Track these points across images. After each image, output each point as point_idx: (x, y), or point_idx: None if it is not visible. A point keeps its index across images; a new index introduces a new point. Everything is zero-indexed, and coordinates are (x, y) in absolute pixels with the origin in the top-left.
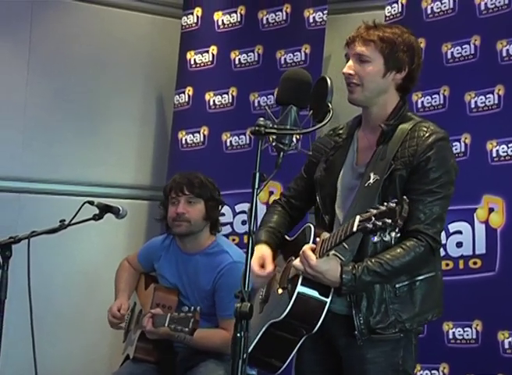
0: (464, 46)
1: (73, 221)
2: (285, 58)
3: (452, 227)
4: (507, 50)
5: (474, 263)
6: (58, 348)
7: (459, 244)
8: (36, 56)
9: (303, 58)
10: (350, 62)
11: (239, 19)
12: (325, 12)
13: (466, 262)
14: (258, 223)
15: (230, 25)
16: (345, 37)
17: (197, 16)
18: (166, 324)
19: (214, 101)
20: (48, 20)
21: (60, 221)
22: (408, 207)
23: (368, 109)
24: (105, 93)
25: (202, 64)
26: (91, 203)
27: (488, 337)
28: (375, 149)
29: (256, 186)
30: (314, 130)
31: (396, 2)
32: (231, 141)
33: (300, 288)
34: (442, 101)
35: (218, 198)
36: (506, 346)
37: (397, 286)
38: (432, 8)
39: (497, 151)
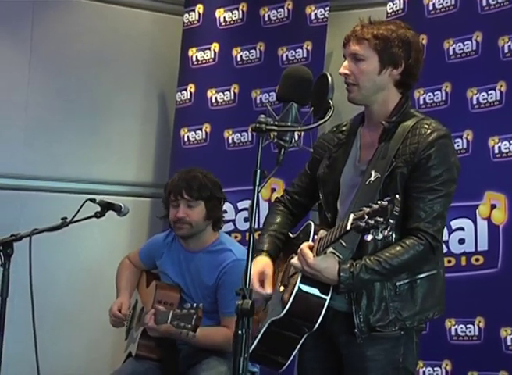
0: (465, 42)
1: (75, 219)
2: (287, 55)
3: (454, 224)
4: (509, 46)
5: (477, 260)
6: (61, 345)
7: (461, 241)
8: (37, 55)
9: (304, 55)
10: (346, 62)
11: (240, 16)
12: (327, 8)
13: (468, 258)
14: (259, 220)
15: (232, 22)
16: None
17: (199, 13)
18: (169, 321)
19: (216, 98)
20: (49, 19)
21: (62, 219)
22: (400, 206)
23: (369, 107)
24: (107, 91)
25: (204, 61)
26: (93, 201)
27: (490, 334)
28: (376, 147)
29: (257, 183)
30: (315, 126)
31: None
32: (233, 138)
33: (299, 286)
34: (444, 98)
35: (219, 196)
36: (509, 343)
37: (398, 284)
38: (433, 4)
39: (499, 147)
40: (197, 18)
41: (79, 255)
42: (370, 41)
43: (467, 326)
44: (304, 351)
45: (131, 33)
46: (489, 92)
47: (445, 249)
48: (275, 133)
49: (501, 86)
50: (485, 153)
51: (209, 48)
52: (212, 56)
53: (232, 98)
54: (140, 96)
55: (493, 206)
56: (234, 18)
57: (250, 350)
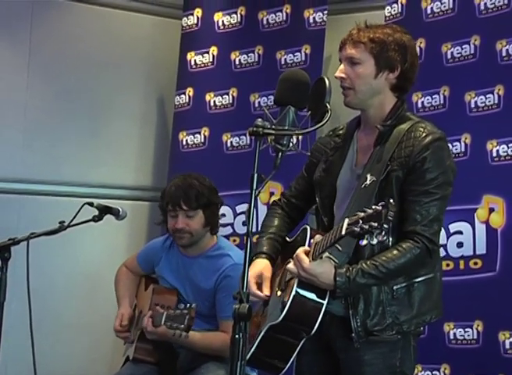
0: (463, 46)
1: (73, 222)
2: (285, 59)
3: (452, 227)
4: (507, 50)
5: (475, 263)
6: (59, 349)
7: (459, 245)
8: (36, 57)
9: (303, 59)
10: (342, 66)
11: (239, 20)
12: (325, 12)
13: (466, 262)
14: (257, 223)
15: (230, 26)
16: None
17: (198, 17)
18: (163, 322)
19: (214, 101)
20: (48, 21)
21: (59, 222)
22: (394, 210)
23: (365, 112)
24: (106, 94)
25: (202, 65)
26: (91, 204)
27: (489, 338)
28: (372, 150)
29: (254, 187)
30: (312, 130)
31: (396, 2)
32: (231, 142)
33: (295, 291)
34: (442, 102)
35: (216, 201)
36: (507, 346)
37: (395, 288)
38: (431, 8)
39: (497, 151)
40: (195, 22)
41: (77, 259)
42: (366, 45)
43: (466, 329)
44: (301, 356)
45: (130, 36)
46: (487, 96)
47: (443, 253)
48: (273, 137)
49: (499, 89)
50: (483, 157)
51: (208, 52)
52: (211, 60)
53: (231, 101)
54: (139, 99)
55: (491, 210)
56: (233, 22)
57: (249, 355)
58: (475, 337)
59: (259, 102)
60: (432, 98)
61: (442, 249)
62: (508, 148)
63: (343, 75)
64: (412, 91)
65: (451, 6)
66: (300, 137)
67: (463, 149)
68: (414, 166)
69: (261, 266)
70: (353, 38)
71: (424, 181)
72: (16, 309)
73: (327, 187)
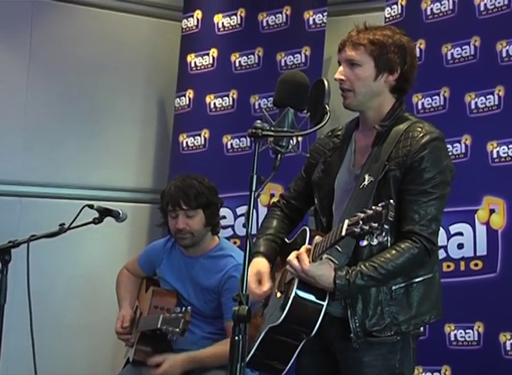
0: (463, 47)
1: (73, 225)
2: (285, 61)
3: (453, 229)
4: (507, 50)
5: (476, 265)
6: (60, 351)
7: (460, 246)
8: (36, 60)
9: (303, 61)
10: (341, 68)
11: (239, 22)
12: (325, 14)
13: (467, 263)
14: (257, 225)
15: (230, 27)
16: None
17: (198, 19)
18: (158, 325)
19: (214, 103)
20: (48, 24)
21: (60, 225)
22: (394, 211)
23: (364, 113)
24: (106, 96)
25: (202, 67)
26: (91, 207)
27: (489, 339)
28: (370, 151)
29: (253, 189)
30: (311, 132)
31: (396, 4)
32: (232, 144)
33: (295, 292)
34: (442, 103)
35: (216, 201)
36: (508, 348)
37: (393, 288)
38: (431, 9)
39: (498, 152)
40: (195, 24)
41: (78, 261)
42: (366, 47)
43: (467, 331)
44: (301, 357)
45: (130, 39)
46: (487, 97)
47: (444, 254)
48: (272, 139)
49: (499, 90)
50: (483, 158)
51: (208, 54)
52: (211, 62)
53: (231, 103)
54: (139, 102)
55: (492, 211)
56: (232, 23)
57: (249, 357)
58: (476, 338)
59: (259, 104)
60: (432, 99)
61: (442, 250)
62: (508, 149)
63: (342, 77)
64: (412, 92)
65: (451, 7)
66: (299, 138)
67: (463, 150)
68: (412, 165)
69: (259, 263)
70: (352, 40)
71: (421, 181)
72: (17, 311)
73: (325, 187)
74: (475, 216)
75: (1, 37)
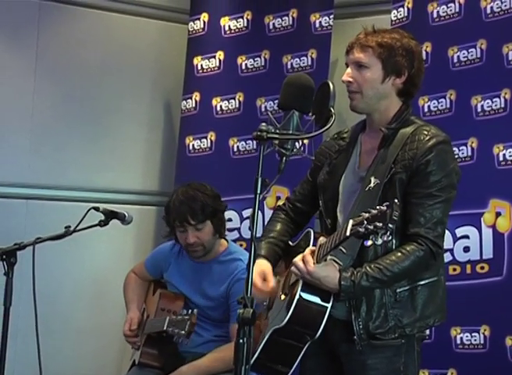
0: (470, 50)
1: (79, 227)
2: (291, 63)
3: (459, 232)
4: None
5: (482, 268)
6: (67, 353)
7: (466, 249)
8: (43, 62)
9: (309, 63)
10: (349, 70)
11: (245, 25)
12: (332, 16)
13: (473, 266)
14: (262, 228)
15: (237, 30)
16: None
17: (204, 22)
18: (165, 327)
19: (221, 106)
20: (54, 26)
21: (65, 227)
22: (399, 211)
23: (371, 115)
24: (112, 99)
25: (209, 69)
26: (97, 209)
27: (496, 343)
28: (376, 153)
29: (258, 191)
30: (316, 134)
31: (402, 7)
32: (238, 147)
33: (299, 294)
34: (448, 106)
35: (221, 208)
36: None
37: (398, 291)
38: (437, 12)
39: (504, 155)
40: (202, 26)
41: (85, 264)
42: (374, 49)
43: (473, 334)
44: (305, 360)
45: (136, 41)
46: (494, 100)
47: (450, 257)
48: (277, 142)
49: (505, 93)
50: (489, 161)
51: (214, 57)
52: (217, 64)
53: (237, 106)
54: (146, 104)
55: (498, 214)
56: (239, 26)
57: (253, 359)
58: (482, 341)
59: (266, 107)
60: (439, 102)
61: (448, 253)
62: None
63: (350, 79)
64: (418, 95)
65: (457, 10)
66: (305, 141)
67: (469, 153)
68: (418, 168)
69: (261, 264)
70: (361, 42)
71: (427, 184)
72: (23, 313)
73: (330, 189)
74: (481, 219)
75: (7, 39)
